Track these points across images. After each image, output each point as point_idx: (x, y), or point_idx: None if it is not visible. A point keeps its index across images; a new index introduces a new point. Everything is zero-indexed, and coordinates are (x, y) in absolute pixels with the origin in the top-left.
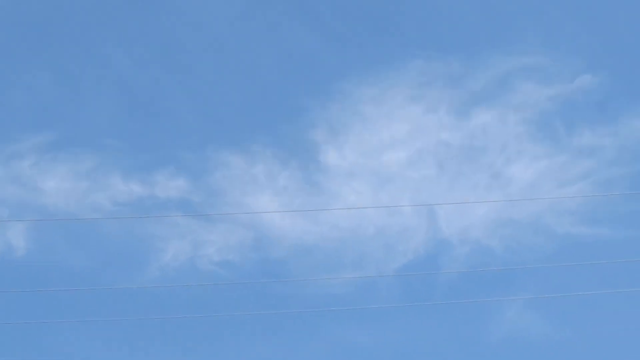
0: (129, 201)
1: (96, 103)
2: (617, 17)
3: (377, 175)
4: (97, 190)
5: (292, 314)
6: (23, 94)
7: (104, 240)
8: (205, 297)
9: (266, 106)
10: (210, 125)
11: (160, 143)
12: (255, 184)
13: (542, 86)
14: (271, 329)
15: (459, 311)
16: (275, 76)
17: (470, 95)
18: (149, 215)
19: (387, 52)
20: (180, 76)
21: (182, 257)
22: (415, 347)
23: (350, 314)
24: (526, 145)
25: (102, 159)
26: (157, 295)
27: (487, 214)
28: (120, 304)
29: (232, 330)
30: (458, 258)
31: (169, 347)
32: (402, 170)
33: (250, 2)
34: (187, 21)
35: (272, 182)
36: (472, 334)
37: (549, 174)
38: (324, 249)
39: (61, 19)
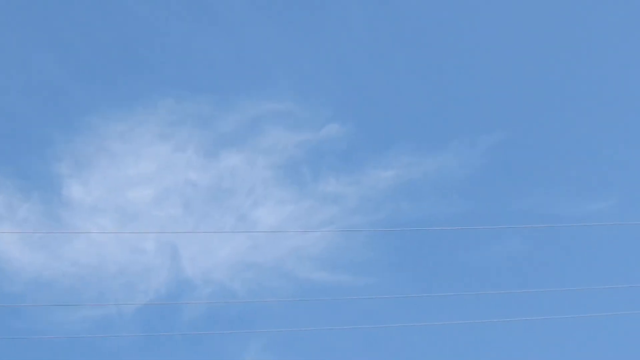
0: None
1: None
2: (365, 69)
3: (121, 212)
4: None
5: (27, 350)
6: None
7: None
8: None
9: (8, 136)
10: None
11: None
12: None
13: (290, 132)
14: None
15: (199, 351)
16: (20, 106)
17: (219, 137)
18: None
19: (138, 88)
20: None
21: None
22: None
23: (88, 352)
24: (273, 190)
25: None
26: None
27: (231, 256)
28: None
29: None
30: (200, 299)
31: None
32: (148, 208)
33: None
34: None
35: (12, 214)
36: None
37: (294, 219)
38: (63, 285)
39: None
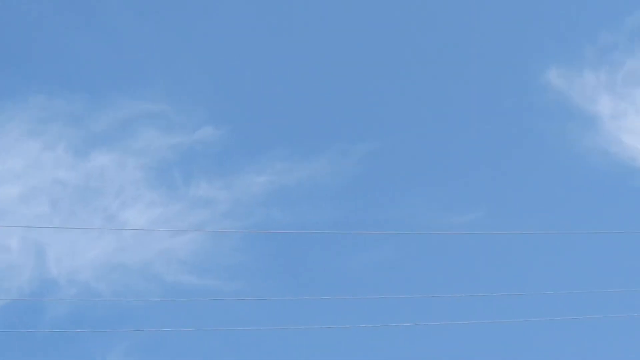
0: None
1: None
2: (241, 73)
3: None
4: None
5: None
6: None
7: None
8: None
9: None
10: None
11: None
12: None
13: (163, 134)
14: None
15: (62, 352)
16: None
17: (90, 136)
18: None
19: (8, 84)
20: None
21: None
22: None
23: None
24: (143, 191)
25: None
26: None
27: (98, 256)
28: None
29: None
30: (64, 298)
31: None
32: (14, 206)
33: None
34: None
35: None
36: None
37: (163, 222)
38: None
39: None
